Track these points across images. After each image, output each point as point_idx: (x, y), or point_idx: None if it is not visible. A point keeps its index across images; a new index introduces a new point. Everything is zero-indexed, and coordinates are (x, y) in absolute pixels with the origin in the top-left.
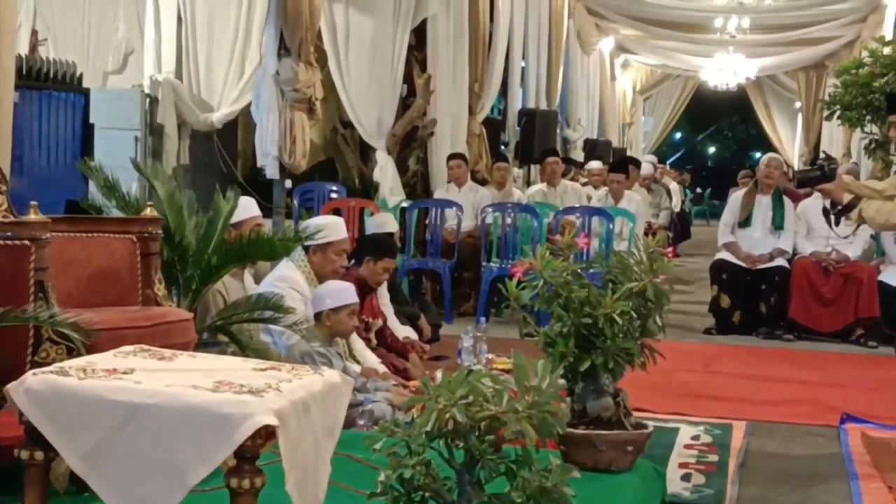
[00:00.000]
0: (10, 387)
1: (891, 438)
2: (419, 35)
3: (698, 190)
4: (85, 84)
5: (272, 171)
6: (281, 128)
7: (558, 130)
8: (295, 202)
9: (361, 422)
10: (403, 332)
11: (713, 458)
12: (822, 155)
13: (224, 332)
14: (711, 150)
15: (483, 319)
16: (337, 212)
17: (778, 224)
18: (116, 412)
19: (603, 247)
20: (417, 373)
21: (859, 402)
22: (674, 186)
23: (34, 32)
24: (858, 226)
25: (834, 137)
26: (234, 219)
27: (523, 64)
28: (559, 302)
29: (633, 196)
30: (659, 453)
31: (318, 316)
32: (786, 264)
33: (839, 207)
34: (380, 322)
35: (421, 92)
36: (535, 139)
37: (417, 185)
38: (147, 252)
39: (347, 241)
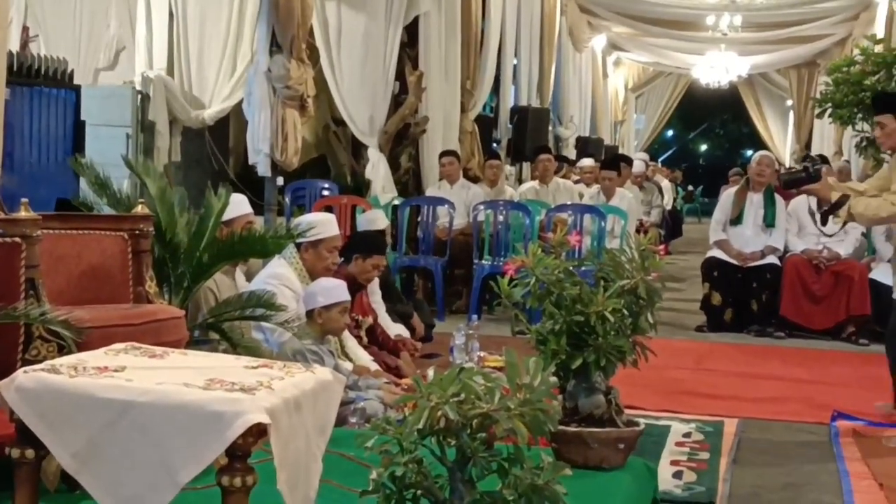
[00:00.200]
0: (1, 385)
1: (882, 435)
2: (411, 32)
3: (690, 188)
4: (76, 81)
5: (264, 169)
6: (273, 125)
7: (550, 128)
8: (287, 199)
9: (353, 419)
10: (395, 329)
11: (704, 455)
12: (806, 156)
13: (216, 330)
14: (703, 147)
15: (475, 317)
16: (329, 209)
17: (769, 222)
18: (108, 410)
19: (595, 244)
20: (409, 370)
21: (850, 400)
22: (665, 184)
23: (25, 29)
24: (845, 223)
25: (825, 135)
26: (226, 216)
27: (515, 61)
28: (551, 299)
29: (625, 193)
30: (650, 451)
31: (309, 313)
32: (777, 262)
33: (825, 208)
34: (370, 320)
35: (413, 89)
36: (527, 137)
37: (409, 182)
38: (138, 249)
39: (339, 238)
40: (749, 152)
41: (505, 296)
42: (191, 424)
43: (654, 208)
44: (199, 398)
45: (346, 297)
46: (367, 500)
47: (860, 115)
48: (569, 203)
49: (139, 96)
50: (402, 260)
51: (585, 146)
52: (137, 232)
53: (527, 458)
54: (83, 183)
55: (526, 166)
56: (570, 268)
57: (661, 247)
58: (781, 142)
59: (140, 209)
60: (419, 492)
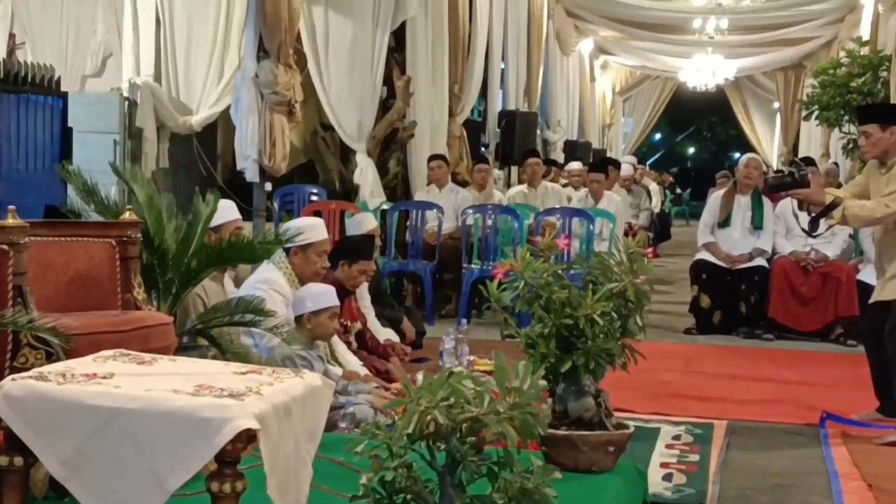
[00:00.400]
0: None
1: (871, 436)
2: (399, 37)
3: (678, 190)
4: (63, 87)
5: (252, 174)
6: (261, 130)
7: (538, 132)
8: (275, 205)
9: (343, 424)
10: (384, 334)
11: (694, 457)
12: (792, 161)
13: (204, 336)
14: (691, 150)
15: (464, 321)
16: (317, 214)
17: (757, 224)
18: (96, 417)
19: (583, 248)
20: (399, 375)
21: (839, 401)
22: (654, 187)
23: (12, 36)
24: (830, 227)
25: (812, 137)
26: (214, 222)
27: (503, 66)
28: (540, 303)
29: (613, 196)
30: (640, 453)
31: (298, 319)
32: (765, 264)
33: (814, 213)
34: (358, 325)
35: (401, 94)
36: (515, 141)
37: (398, 187)
38: (126, 256)
39: (328, 242)
40: (736, 155)
41: (494, 300)
42: (179, 431)
43: (642, 211)
44: (187, 404)
45: (335, 302)
46: None
47: (847, 118)
48: (557, 207)
49: (126, 103)
50: (390, 265)
51: (573, 150)
52: (125, 238)
53: (516, 461)
54: (71, 190)
55: (514, 170)
56: (559, 271)
57: (650, 250)
58: (769, 144)
59: (128, 216)
60: (409, 496)
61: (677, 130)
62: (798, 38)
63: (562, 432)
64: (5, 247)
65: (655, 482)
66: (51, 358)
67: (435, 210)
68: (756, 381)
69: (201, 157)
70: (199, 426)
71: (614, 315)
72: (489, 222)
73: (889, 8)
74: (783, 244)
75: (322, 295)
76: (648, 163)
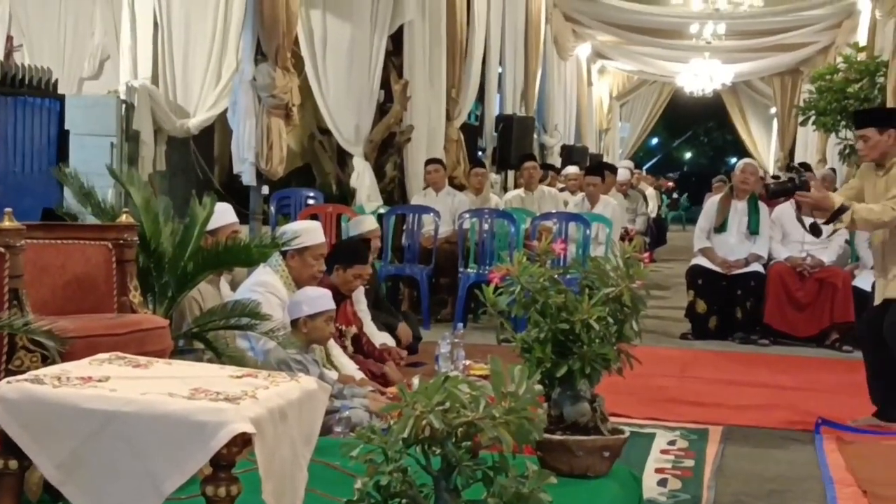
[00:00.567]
0: None
1: (866, 442)
2: (396, 41)
3: (675, 195)
4: (60, 90)
5: (249, 178)
6: (258, 134)
7: (535, 136)
8: (272, 208)
9: (338, 429)
10: (380, 338)
11: (689, 463)
12: (789, 166)
13: (200, 339)
14: (688, 155)
15: (460, 325)
16: (314, 218)
17: (753, 229)
18: (91, 420)
19: (580, 252)
20: (395, 378)
21: (834, 407)
22: (650, 192)
23: (9, 38)
24: (834, 231)
25: (809, 143)
26: (211, 225)
27: (500, 70)
28: (536, 308)
29: (609, 201)
30: (635, 458)
31: (294, 323)
32: (761, 269)
33: (821, 219)
34: (354, 329)
35: (398, 98)
36: (512, 145)
37: (395, 191)
38: (122, 259)
39: (324, 246)
40: (733, 160)
41: (490, 304)
42: (175, 434)
43: (638, 216)
44: (183, 408)
45: (332, 305)
46: None
47: (843, 123)
48: (554, 211)
49: (124, 105)
50: (387, 269)
51: (570, 154)
52: (122, 241)
53: (512, 466)
54: (67, 193)
55: (511, 174)
56: (555, 276)
57: (646, 254)
58: (765, 149)
59: (124, 218)
60: (404, 501)
61: (674, 135)
62: (795, 44)
63: (557, 437)
64: (1, 249)
65: (650, 487)
66: (46, 361)
67: (431, 214)
68: (752, 386)
69: (198, 160)
70: (194, 430)
71: (610, 320)
72: (486, 226)
73: (886, 14)
74: (779, 249)
75: (318, 299)
76: (645, 167)
